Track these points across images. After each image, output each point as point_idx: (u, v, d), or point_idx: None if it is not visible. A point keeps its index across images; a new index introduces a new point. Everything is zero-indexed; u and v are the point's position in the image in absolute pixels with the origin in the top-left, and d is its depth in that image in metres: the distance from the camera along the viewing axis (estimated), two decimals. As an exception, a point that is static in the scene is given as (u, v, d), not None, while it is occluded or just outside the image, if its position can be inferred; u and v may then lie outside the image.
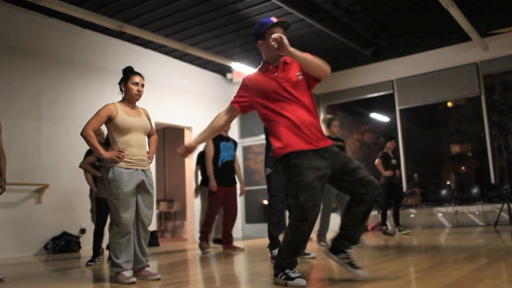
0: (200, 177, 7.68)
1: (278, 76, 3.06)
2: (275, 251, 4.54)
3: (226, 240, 6.37)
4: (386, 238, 7.29)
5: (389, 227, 8.53)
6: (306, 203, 2.79)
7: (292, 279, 2.83)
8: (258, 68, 3.22)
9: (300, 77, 3.07)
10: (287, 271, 2.91)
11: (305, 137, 2.95)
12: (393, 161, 8.18)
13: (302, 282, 2.81)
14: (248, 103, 3.16)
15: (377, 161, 8.13)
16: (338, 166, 2.95)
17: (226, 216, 6.45)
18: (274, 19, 3.09)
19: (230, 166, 6.45)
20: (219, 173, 6.35)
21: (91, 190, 6.40)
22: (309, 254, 4.70)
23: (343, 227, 3.06)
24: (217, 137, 6.43)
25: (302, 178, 2.84)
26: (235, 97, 3.21)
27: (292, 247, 2.93)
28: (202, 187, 7.65)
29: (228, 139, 6.55)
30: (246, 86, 3.17)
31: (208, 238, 6.37)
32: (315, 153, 2.93)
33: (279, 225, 4.78)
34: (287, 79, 3.04)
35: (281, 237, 4.84)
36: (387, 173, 7.99)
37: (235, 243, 6.70)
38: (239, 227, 10.84)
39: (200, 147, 9.08)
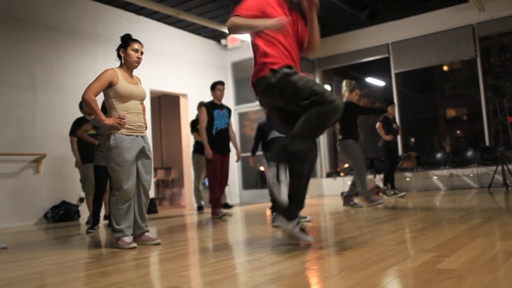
0: (192, 144, 7.82)
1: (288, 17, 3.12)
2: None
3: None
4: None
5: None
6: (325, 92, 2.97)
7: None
8: None
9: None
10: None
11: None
12: (395, 125, 8.18)
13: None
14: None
15: (378, 124, 8.09)
16: None
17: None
18: None
19: (224, 133, 6.39)
20: (214, 140, 6.31)
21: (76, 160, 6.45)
22: (305, 217, 4.77)
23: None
24: (210, 105, 6.40)
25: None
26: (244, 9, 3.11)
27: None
28: (194, 155, 7.80)
29: (221, 106, 6.46)
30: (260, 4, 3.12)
31: (220, 204, 6.31)
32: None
33: None
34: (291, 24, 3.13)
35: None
36: (388, 137, 7.97)
37: (233, 209, 6.77)
38: (236, 194, 10.94)
39: (193, 115, 9.12)
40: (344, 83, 6.57)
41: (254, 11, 3.04)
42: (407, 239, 3.03)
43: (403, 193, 8.16)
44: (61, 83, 7.65)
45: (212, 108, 6.37)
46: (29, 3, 7.43)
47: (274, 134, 4.79)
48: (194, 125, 7.88)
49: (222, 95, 6.48)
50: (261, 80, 3.02)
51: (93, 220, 5.47)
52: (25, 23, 7.34)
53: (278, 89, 2.95)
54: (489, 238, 2.77)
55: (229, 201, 8.23)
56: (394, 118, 8.42)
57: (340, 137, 6.36)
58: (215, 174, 6.30)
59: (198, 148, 7.76)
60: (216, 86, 6.47)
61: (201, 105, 6.66)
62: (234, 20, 3.03)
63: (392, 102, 8.38)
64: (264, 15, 3.04)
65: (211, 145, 6.29)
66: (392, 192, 8.13)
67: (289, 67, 2.99)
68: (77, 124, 6.41)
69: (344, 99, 6.44)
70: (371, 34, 10.59)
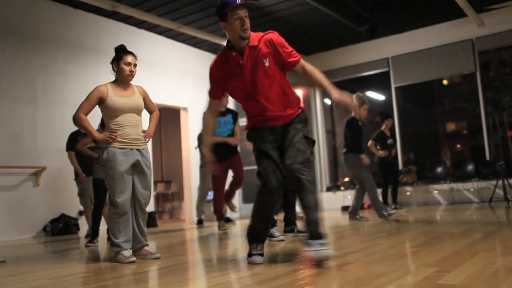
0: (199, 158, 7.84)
1: (243, 64, 2.93)
2: (273, 230, 4.56)
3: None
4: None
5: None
6: (265, 170, 2.96)
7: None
8: (222, 50, 3.07)
9: (267, 64, 2.93)
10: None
11: (263, 118, 3.02)
12: (389, 141, 8.14)
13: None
14: (223, 90, 3.12)
15: (369, 142, 8.08)
16: (283, 146, 3.03)
17: (231, 184, 6.45)
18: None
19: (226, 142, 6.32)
20: (216, 149, 6.27)
21: (76, 174, 6.43)
22: (304, 232, 4.72)
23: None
24: None
25: (260, 148, 3.04)
26: (210, 90, 3.14)
27: None
28: (202, 169, 7.82)
29: (224, 113, 6.38)
30: (215, 77, 3.07)
31: (223, 216, 6.36)
32: (271, 130, 3.03)
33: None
34: (252, 67, 2.92)
35: (276, 217, 4.89)
36: (382, 153, 7.97)
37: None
38: (236, 207, 10.88)
39: (193, 129, 9.13)
40: (354, 97, 6.66)
41: (217, 89, 3.13)
42: (408, 254, 3.01)
43: (403, 209, 8.10)
44: (62, 96, 7.67)
45: None
46: (30, 16, 7.47)
47: None
48: (201, 139, 7.92)
49: (226, 101, 6.46)
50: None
51: (93, 234, 5.44)
52: (26, 36, 7.37)
53: None
54: (490, 254, 2.75)
55: (229, 215, 8.20)
56: (391, 132, 8.38)
57: (344, 150, 6.42)
58: (217, 185, 6.31)
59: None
60: None
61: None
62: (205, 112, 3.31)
63: (388, 116, 8.38)
64: (224, 82, 3.07)
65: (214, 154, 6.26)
66: (393, 207, 8.09)
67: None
68: (73, 139, 6.42)
69: (352, 114, 6.59)
70: (371, 48, 10.64)
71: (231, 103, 8.13)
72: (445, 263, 2.49)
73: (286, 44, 2.99)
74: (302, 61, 3.02)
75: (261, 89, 2.95)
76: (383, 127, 8.24)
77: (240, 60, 2.94)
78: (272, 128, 3.02)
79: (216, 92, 3.13)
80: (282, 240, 4.37)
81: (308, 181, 2.83)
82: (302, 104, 3.12)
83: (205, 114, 3.19)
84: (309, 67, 3.02)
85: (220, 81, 3.06)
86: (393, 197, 8.24)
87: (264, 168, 2.97)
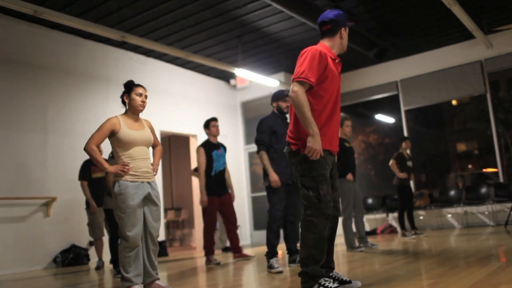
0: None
1: (339, 71, 3.10)
2: (272, 261, 4.47)
3: (236, 248, 6.28)
4: (397, 241, 7.23)
5: (399, 230, 8.39)
6: (325, 196, 2.85)
7: None
8: (321, 49, 2.95)
9: None
10: (322, 281, 2.79)
11: (330, 138, 2.99)
12: (409, 163, 7.98)
13: None
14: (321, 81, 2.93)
15: (391, 162, 7.94)
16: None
17: (226, 225, 6.30)
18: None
19: (222, 175, 6.26)
20: (212, 183, 6.15)
21: (87, 203, 6.44)
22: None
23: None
24: (209, 146, 6.26)
25: (322, 172, 2.89)
26: (311, 72, 2.85)
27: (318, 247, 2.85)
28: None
29: (218, 146, 6.33)
30: (325, 61, 2.92)
31: (212, 250, 6.10)
32: (329, 154, 3.02)
33: (279, 233, 4.73)
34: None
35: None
36: (402, 175, 7.79)
37: (244, 251, 6.64)
38: (247, 234, 10.79)
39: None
40: None
41: (318, 75, 2.90)
42: (426, 287, 2.91)
43: (424, 234, 7.86)
44: (72, 126, 7.70)
45: (211, 149, 6.23)
46: (40, 47, 7.56)
47: (269, 181, 4.72)
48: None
49: (218, 131, 6.39)
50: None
51: (114, 264, 5.38)
52: (36, 66, 7.44)
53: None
54: (512, 286, 2.65)
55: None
56: (409, 155, 8.25)
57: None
58: (212, 219, 6.14)
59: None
60: (211, 123, 6.36)
61: (199, 146, 6.44)
62: (298, 92, 2.83)
63: (406, 138, 8.27)
64: (325, 74, 2.94)
65: (210, 188, 6.15)
66: (412, 232, 7.88)
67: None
68: (85, 168, 6.45)
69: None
70: (380, 72, 10.64)
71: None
72: (466, 298, 2.40)
73: None
74: None
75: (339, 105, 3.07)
76: (401, 150, 8.10)
77: (339, 67, 3.10)
78: (333, 154, 3.05)
79: (316, 77, 2.88)
80: (281, 272, 4.29)
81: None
82: None
83: (299, 95, 2.80)
84: None
85: (324, 69, 2.92)
86: (411, 222, 7.97)
87: (325, 194, 2.84)
